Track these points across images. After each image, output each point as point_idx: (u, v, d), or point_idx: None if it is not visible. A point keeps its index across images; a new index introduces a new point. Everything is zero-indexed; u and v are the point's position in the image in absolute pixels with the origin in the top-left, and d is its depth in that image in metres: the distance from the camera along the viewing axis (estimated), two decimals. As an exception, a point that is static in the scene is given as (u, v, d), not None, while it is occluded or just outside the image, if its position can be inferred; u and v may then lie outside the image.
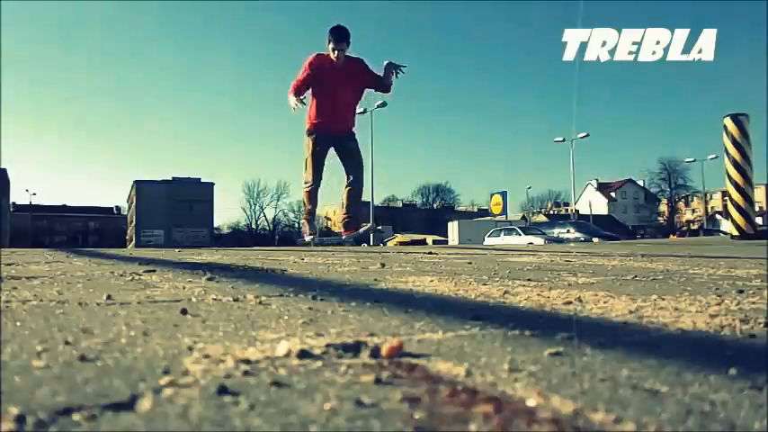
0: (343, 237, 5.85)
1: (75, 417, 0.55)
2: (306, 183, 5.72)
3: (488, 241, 22.66)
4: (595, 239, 21.28)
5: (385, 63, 5.75)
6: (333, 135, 5.68)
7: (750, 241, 6.53)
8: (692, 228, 58.29)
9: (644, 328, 1.08)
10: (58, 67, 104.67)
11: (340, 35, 5.58)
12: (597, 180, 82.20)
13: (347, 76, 5.72)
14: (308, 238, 5.98)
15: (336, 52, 5.56)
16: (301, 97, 5.47)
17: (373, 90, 5.90)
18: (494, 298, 1.48)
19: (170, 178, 65.49)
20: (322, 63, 5.72)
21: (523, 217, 48.74)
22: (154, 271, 2.10)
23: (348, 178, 5.83)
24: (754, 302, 1.39)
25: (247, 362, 0.77)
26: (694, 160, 56.58)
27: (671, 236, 41.99)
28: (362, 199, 6.05)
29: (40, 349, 0.82)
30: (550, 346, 0.89)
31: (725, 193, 10.49)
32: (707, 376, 0.73)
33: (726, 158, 7.03)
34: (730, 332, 1.04)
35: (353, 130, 5.92)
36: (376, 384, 0.68)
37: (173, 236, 59.97)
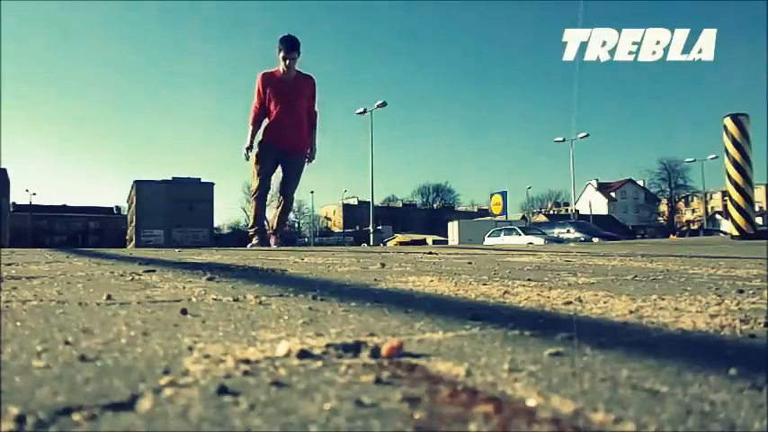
0: (272, 244, 6.00)
1: (75, 417, 0.55)
2: (252, 191, 5.89)
3: (488, 241, 22.67)
4: (595, 239, 21.28)
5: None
6: (283, 151, 5.78)
7: (750, 241, 6.53)
8: (692, 228, 58.33)
9: (644, 328, 1.08)
10: (58, 67, 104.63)
11: (291, 45, 5.55)
12: (597, 180, 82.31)
13: (298, 92, 5.73)
14: (254, 241, 5.99)
15: (288, 61, 5.54)
16: (248, 149, 5.78)
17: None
18: (494, 298, 1.48)
19: (170, 178, 65.56)
20: (270, 81, 5.71)
21: (523, 217, 48.76)
22: (154, 271, 2.10)
23: (279, 198, 5.95)
24: (754, 302, 1.39)
25: (247, 362, 0.77)
26: (694, 160, 56.71)
27: (671, 236, 41.97)
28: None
29: (40, 349, 0.82)
30: (550, 346, 0.89)
31: (725, 193, 10.49)
32: (707, 376, 0.73)
33: (726, 158, 7.03)
34: (730, 332, 1.04)
35: (305, 148, 5.90)
36: (376, 384, 0.68)
37: (173, 236, 60.00)
